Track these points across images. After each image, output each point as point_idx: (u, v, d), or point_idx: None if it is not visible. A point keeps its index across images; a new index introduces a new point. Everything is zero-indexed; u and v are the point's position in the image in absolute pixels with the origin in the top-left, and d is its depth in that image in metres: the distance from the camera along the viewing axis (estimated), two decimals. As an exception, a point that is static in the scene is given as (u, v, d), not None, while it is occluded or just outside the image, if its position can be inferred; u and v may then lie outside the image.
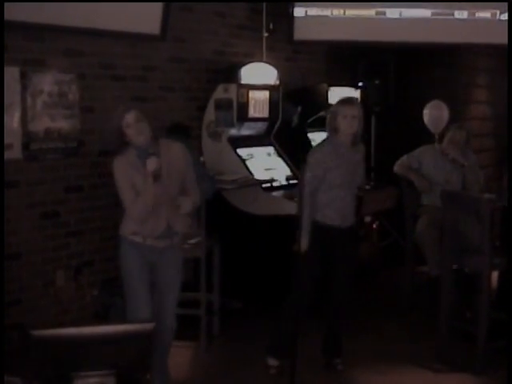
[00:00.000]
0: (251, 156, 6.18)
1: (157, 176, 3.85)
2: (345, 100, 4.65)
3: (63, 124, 5.08)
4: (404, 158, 6.05)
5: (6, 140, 4.69)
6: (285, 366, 4.52)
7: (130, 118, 3.87)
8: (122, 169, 3.93)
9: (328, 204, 4.56)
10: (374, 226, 7.02)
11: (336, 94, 6.77)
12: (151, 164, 3.84)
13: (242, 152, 6.12)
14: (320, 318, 4.79)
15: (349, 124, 4.51)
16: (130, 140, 3.89)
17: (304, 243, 4.50)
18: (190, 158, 4.12)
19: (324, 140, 4.76)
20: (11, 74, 4.70)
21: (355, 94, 7.11)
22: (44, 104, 4.95)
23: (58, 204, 5.15)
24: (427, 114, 6.67)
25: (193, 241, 5.04)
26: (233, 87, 5.92)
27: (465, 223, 4.95)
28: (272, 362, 4.76)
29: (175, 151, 4.03)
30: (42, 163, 5.00)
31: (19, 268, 4.90)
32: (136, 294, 4.02)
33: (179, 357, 4.54)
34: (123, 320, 5.18)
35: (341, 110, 4.52)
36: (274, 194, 5.90)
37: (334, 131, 4.58)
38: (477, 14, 6.79)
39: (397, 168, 6.04)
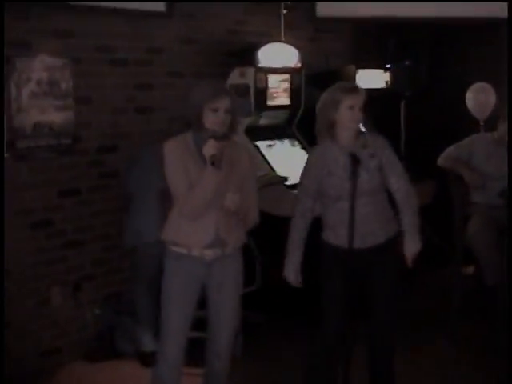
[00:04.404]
0: (271, 149, 5.76)
1: (216, 163, 3.35)
2: (349, 87, 3.84)
3: (55, 117, 4.67)
4: (451, 148, 5.40)
5: (-13, 137, 4.27)
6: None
7: (221, 104, 3.42)
8: (177, 151, 3.49)
9: (334, 220, 3.81)
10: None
11: (364, 77, 6.37)
12: (209, 147, 3.37)
13: (261, 145, 5.70)
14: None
15: (354, 116, 3.74)
16: (204, 125, 3.44)
17: (289, 274, 3.87)
18: (255, 170, 3.70)
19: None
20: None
21: (384, 76, 6.65)
22: (32, 94, 4.53)
23: (51, 211, 4.73)
24: (471, 98, 6.11)
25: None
26: (250, 71, 5.53)
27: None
28: None
29: (242, 155, 3.61)
30: (30, 164, 4.57)
31: (7, 287, 4.36)
32: (168, 319, 3.63)
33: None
34: (131, 341, 4.77)
35: (346, 99, 3.74)
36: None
37: (329, 126, 3.80)
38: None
39: (442, 161, 5.37)
